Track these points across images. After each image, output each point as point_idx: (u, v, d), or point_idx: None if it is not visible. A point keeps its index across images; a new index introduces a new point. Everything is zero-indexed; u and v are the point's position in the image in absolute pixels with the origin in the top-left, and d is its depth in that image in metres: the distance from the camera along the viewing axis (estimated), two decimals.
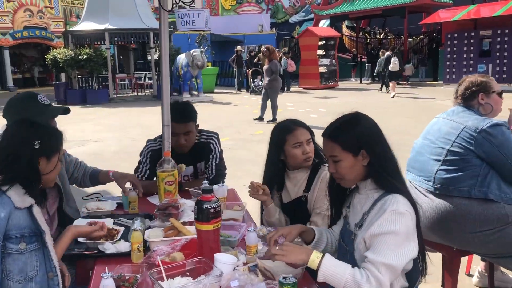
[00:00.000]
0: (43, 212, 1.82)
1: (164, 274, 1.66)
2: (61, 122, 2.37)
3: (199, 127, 2.87)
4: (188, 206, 2.31)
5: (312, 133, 2.33)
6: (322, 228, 2.02)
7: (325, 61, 18.61)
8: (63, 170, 2.30)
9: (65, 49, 16.33)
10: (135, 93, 17.81)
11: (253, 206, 2.59)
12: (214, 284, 1.62)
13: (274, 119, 9.98)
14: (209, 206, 1.77)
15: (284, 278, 1.47)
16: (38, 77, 25.43)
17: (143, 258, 1.88)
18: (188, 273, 1.72)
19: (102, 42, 16.67)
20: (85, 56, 15.28)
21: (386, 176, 1.69)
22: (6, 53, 22.18)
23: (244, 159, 6.77)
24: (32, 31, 22.38)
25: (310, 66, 18.34)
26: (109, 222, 2.17)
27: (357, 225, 1.75)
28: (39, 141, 1.71)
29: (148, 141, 2.90)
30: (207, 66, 16.53)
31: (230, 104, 14.80)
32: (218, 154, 2.88)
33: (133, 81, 18.10)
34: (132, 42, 19.00)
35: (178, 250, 1.88)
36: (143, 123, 10.69)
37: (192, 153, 2.81)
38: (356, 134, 1.71)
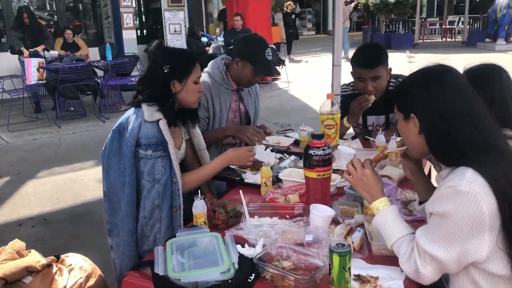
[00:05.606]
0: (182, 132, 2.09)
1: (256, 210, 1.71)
2: None
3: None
4: (344, 153, 2.18)
5: None
6: None
7: None
8: None
9: None
10: (444, 39, 16.63)
11: None
12: (293, 233, 1.55)
13: None
14: (314, 152, 1.66)
15: (337, 245, 1.26)
16: (356, 21, 26.61)
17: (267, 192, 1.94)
18: (287, 216, 1.70)
19: None
20: (393, 0, 15.13)
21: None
22: None
23: None
24: None
25: None
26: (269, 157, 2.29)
27: None
28: (168, 66, 1.91)
29: (342, 85, 2.80)
30: None
31: None
32: None
33: (444, 26, 16.86)
34: None
35: (296, 193, 1.86)
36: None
37: (384, 101, 2.55)
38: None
